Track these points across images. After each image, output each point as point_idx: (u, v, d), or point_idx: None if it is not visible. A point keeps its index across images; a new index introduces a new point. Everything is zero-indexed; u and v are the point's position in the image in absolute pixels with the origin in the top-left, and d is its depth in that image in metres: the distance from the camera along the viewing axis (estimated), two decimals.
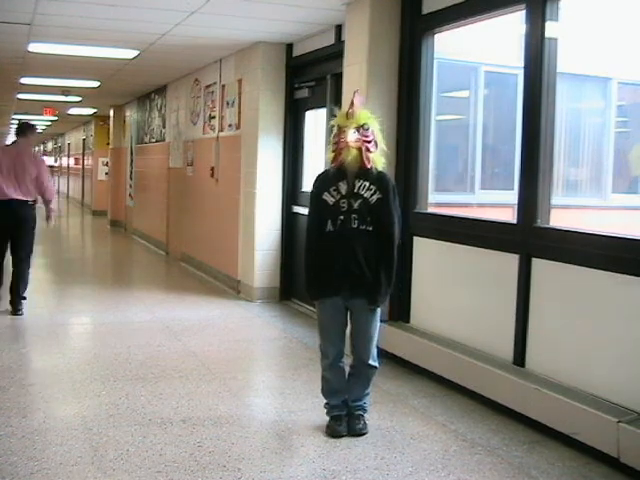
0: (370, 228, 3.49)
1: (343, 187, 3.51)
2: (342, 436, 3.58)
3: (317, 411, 3.91)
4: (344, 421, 3.64)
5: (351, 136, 3.43)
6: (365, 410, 3.72)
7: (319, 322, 3.68)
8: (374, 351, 3.65)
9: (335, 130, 3.55)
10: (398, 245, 3.56)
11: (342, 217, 3.49)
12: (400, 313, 4.99)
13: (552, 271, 3.82)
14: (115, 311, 6.63)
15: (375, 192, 3.49)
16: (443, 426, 3.80)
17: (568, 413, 3.46)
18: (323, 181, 3.60)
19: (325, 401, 3.74)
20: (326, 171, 3.65)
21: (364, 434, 3.62)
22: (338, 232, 3.50)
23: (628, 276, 3.36)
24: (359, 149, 3.45)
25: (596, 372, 3.55)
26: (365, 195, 3.49)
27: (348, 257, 3.49)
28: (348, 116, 3.48)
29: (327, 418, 3.71)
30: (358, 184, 3.49)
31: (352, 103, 3.51)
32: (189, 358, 5.04)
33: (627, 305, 3.39)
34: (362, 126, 3.46)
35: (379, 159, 3.55)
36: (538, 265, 3.89)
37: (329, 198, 3.51)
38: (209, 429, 3.66)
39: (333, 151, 3.53)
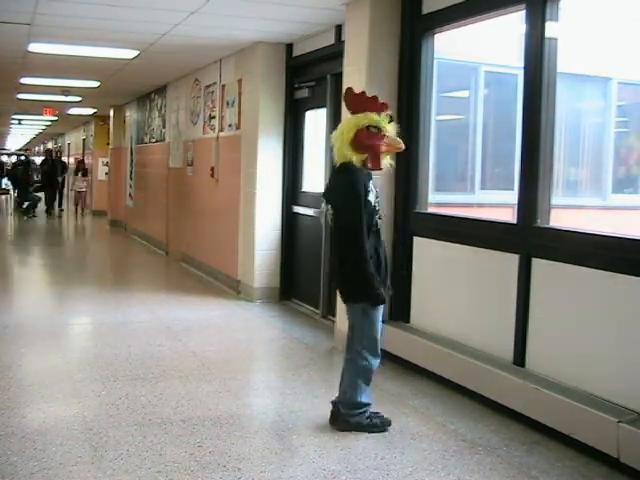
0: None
1: (373, 188, 3.56)
2: None
3: (317, 411, 3.91)
4: None
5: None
6: None
7: (373, 324, 3.59)
8: None
9: (373, 130, 3.47)
10: None
11: (378, 218, 3.59)
12: (400, 313, 4.99)
13: (552, 271, 3.82)
14: (115, 311, 6.63)
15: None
16: (443, 426, 3.80)
17: (568, 413, 3.46)
18: (364, 182, 3.51)
19: (364, 402, 3.66)
20: (360, 170, 3.53)
21: None
22: (379, 233, 3.59)
23: (628, 276, 3.36)
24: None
25: (596, 372, 3.55)
26: (379, 195, 3.63)
27: (385, 256, 3.63)
28: (390, 120, 3.52)
29: (326, 417, 3.72)
30: (375, 184, 3.62)
31: (387, 106, 3.54)
32: (189, 358, 5.04)
33: (627, 305, 3.39)
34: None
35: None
36: (538, 265, 3.90)
37: (374, 199, 3.55)
38: (209, 429, 3.66)
39: (364, 149, 3.48)
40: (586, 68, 5.97)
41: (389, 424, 3.69)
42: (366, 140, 3.47)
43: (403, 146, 3.62)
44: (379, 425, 3.66)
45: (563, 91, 4.32)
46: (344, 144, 3.49)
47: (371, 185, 3.54)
